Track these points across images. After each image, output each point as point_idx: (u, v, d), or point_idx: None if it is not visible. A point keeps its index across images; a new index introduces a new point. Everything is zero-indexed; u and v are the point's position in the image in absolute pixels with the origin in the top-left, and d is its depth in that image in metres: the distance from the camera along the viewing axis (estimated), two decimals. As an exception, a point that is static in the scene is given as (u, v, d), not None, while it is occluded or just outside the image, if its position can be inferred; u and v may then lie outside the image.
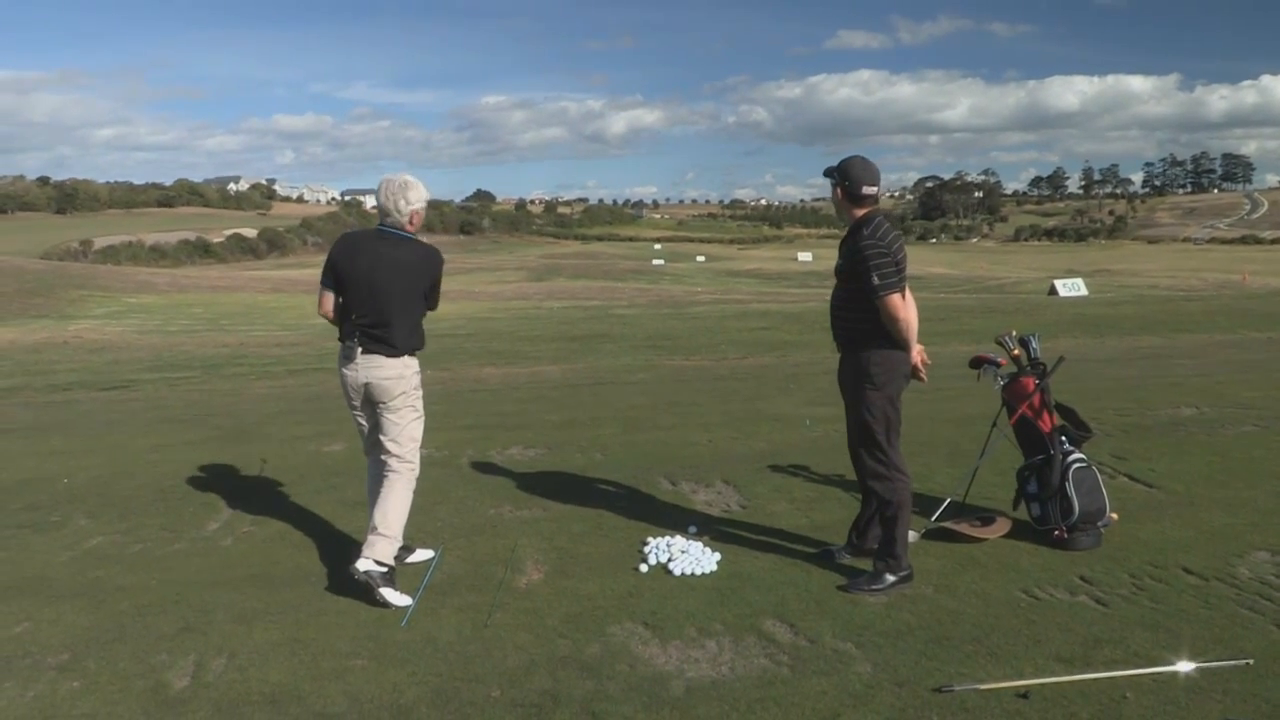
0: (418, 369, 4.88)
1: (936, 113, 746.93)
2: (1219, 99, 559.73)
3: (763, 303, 36.86)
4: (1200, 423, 8.10)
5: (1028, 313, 24.87)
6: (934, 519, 5.38)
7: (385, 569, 4.61)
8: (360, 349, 4.74)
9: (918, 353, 4.71)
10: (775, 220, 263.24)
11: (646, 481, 6.68)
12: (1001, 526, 5.26)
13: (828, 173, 4.72)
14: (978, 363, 5.69)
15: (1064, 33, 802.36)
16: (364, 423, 4.99)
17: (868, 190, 4.59)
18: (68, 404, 11.82)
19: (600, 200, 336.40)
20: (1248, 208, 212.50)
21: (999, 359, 5.62)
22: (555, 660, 3.96)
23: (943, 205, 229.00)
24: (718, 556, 5.03)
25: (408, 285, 4.72)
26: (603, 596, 4.62)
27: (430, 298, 4.85)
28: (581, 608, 4.49)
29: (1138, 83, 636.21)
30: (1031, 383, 5.32)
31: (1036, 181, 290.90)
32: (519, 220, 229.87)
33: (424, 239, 4.93)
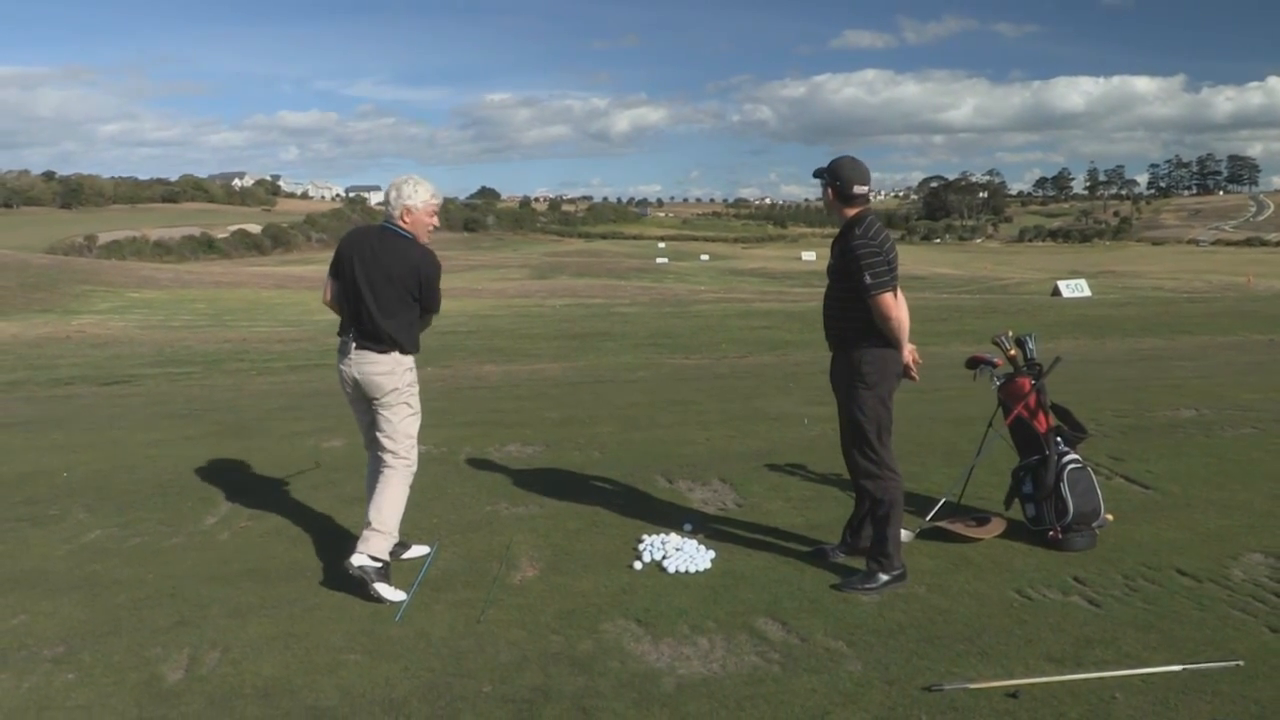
0: (411, 366, 4.89)
1: (941, 113, 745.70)
2: (1225, 100, 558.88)
3: (765, 302, 36.87)
4: (1199, 424, 8.10)
5: (1030, 313, 24.86)
6: (929, 519, 5.39)
7: (380, 564, 4.63)
8: (354, 344, 4.77)
9: (909, 352, 4.72)
10: (779, 219, 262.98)
11: (643, 479, 6.69)
12: (996, 527, 5.27)
13: (818, 173, 4.75)
14: (974, 363, 5.70)
15: (1070, 33, 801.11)
16: (363, 418, 5.01)
17: (859, 190, 4.61)
18: (69, 398, 11.86)
19: (604, 198, 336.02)
20: (1253, 210, 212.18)
21: (995, 359, 5.63)
22: (547, 656, 3.97)
23: (947, 205, 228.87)
24: (712, 554, 5.04)
25: (396, 285, 4.73)
26: (596, 593, 4.64)
27: (424, 300, 4.84)
28: (575, 604, 4.51)
29: (1143, 84, 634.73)
30: (1027, 383, 5.33)
31: (1041, 182, 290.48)
32: (523, 218, 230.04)
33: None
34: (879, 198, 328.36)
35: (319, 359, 15.55)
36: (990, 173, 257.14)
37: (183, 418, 9.87)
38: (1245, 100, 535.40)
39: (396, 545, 5.09)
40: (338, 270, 4.87)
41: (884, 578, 4.60)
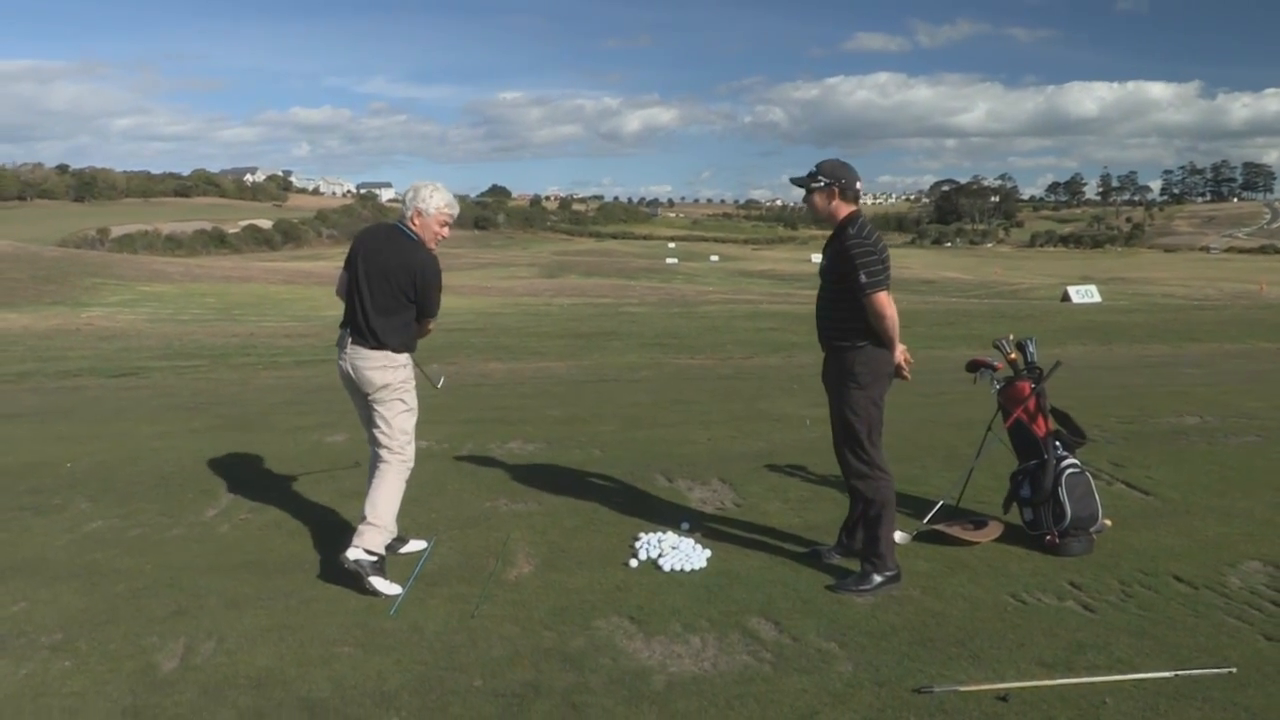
0: (406, 364, 4.90)
1: (953, 116, 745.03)
2: (1241, 107, 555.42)
3: (773, 303, 36.84)
4: (1202, 432, 8.08)
5: (1038, 319, 24.79)
6: (926, 521, 5.39)
7: (375, 558, 4.65)
8: (350, 339, 4.80)
9: (901, 352, 4.73)
10: (790, 221, 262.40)
11: (643, 478, 6.70)
12: (993, 530, 5.27)
13: (799, 181, 4.73)
14: (974, 366, 5.70)
15: (1084, 38, 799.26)
16: (362, 411, 5.04)
17: (860, 186, 4.68)
18: (76, 390, 11.91)
19: (615, 198, 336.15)
20: (1268, 217, 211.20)
21: (995, 362, 5.62)
22: (539, 652, 3.99)
23: (958, 209, 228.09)
24: (708, 553, 5.05)
25: (391, 284, 4.75)
26: (591, 590, 4.65)
27: (420, 303, 4.85)
28: (569, 601, 4.52)
29: (1158, 89, 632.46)
30: (1027, 387, 5.32)
31: (1054, 187, 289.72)
32: (534, 216, 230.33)
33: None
34: (889, 201, 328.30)
35: (325, 354, 15.56)
36: (1002, 177, 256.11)
37: (188, 410, 9.91)
38: (1262, 107, 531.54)
39: (394, 540, 5.12)
40: (349, 263, 4.92)
41: (878, 579, 4.60)
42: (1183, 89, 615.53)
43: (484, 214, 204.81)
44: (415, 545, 5.27)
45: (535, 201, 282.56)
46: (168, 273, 45.92)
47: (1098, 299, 43.77)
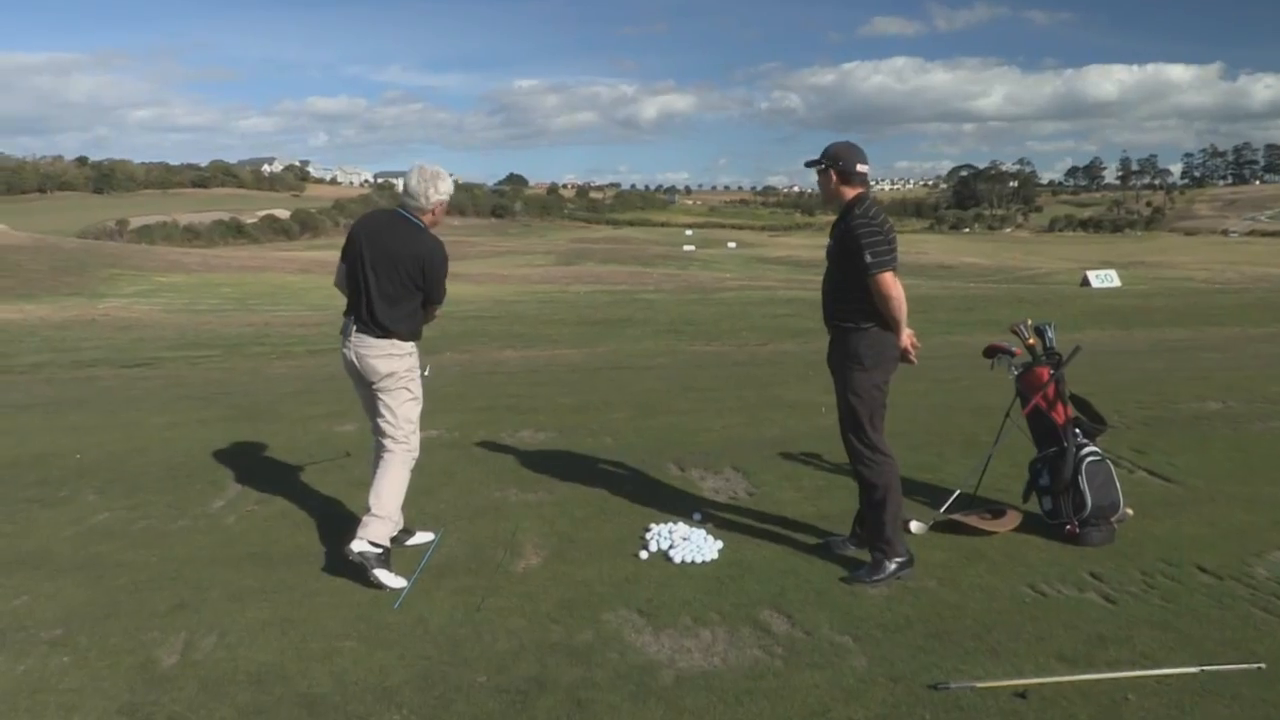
0: (412, 352, 4.81)
1: (971, 101, 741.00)
2: (1264, 88, 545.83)
3: (790, 289, 36.68)
4: (1225, 417, 7.92)
5: (1056, 304, 24.55)
6: (943, 510, 5.28)
7: (379, 550, 4.56)
8: (355, 327, 4.72)
9: (907, 336, 4.61)
10: (807, 207, 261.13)
11: (655, 467, 6.61)
12: (1011, 520, 5.15)
13: (811, 163, 4.68)
14: (992, 352, 5.56)
15: (1103, 20, 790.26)
16: (366, 401, 4.95)
17: (861, 169, 4.57)
18: (90, 380, 11.91)
19: (632, 185, 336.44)
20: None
21: (1014, 348, 5.48)
22: (545, 646, 3.90)
23: (977, 194, 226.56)
24: (719, 544, 4.95)
25: (400, 272, 4.66)
26: (600, 582, 4.56)
27: (427, 290, 4.76)
28: (577, 593, 4.43)
29: (1178, 72, 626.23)
30: (1046, 373, 5.19)
31: (1073, 172, 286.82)
32: (551, 204, 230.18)
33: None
34: (907, 186, 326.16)
35: (338, 343, 15.56)
36: (1021, 162, 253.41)
37: (199, 401, 9.88)
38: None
39: (401, 531, 5.05)
40: (348, 253, 4.83)
41: (890, 566, 4.50)
42: (1203, 70, 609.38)
43: (501, 202, 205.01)
44: (422, 537, 5.18)
45: (552, 189, 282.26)
46: (185, 263, 46.07)
47: (1117, 283, 43.38)
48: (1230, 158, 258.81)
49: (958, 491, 5.42)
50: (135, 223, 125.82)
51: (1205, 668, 3.54)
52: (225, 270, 44.98)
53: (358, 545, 4.53)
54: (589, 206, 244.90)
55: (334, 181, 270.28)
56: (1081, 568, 4.61)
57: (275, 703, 3.49)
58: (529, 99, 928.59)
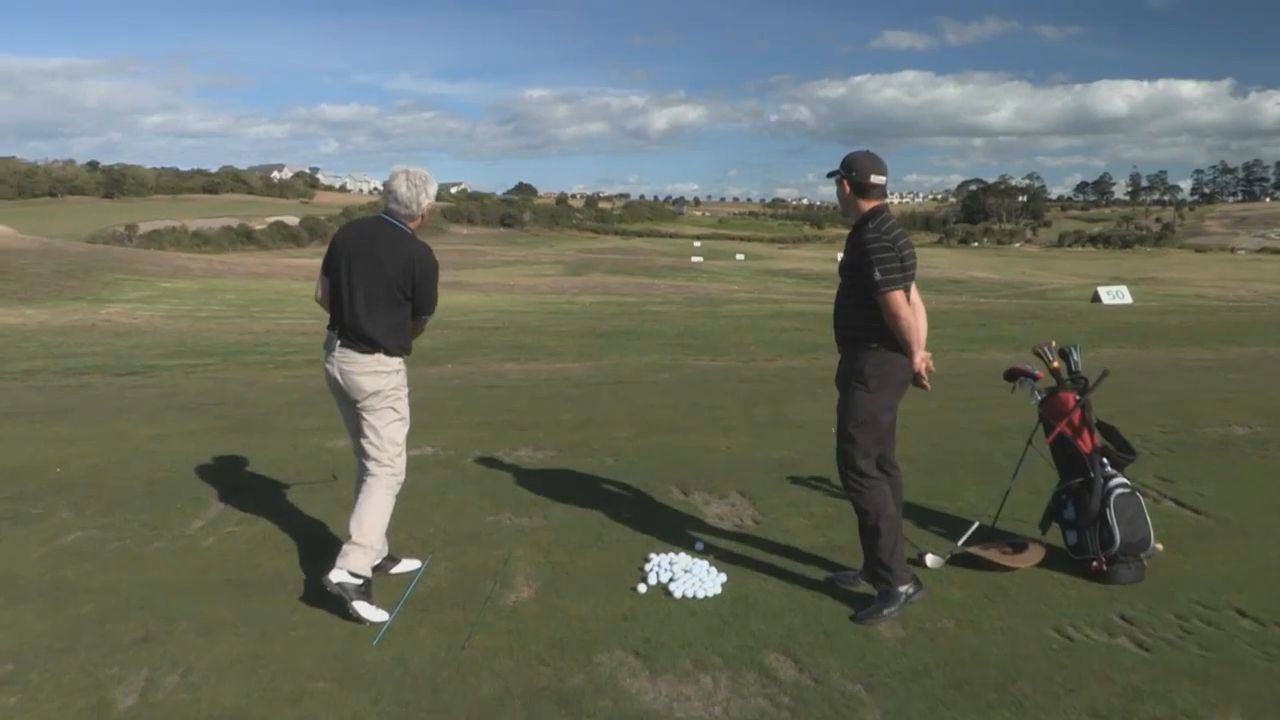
0: (399, 369, 4.53)
1: (981, 115, 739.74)
2: (1275, 105, 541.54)
3: (799, 303, 36.34)
4: (1254, 443, 7.59)
5: (1069, 320, 24.17)
6: (960, 544, 4.96)
7: (360, 581, 4.28)
8: (339, 342, 4.44)
9: (921, 359, 4.32)
10: (816, 220, 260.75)
11: (657, 489, 6.31)
12: (1034, 555, 4.84)
13: (832, 173, 4.45)
14: (1013, 375, 5.24)
15: (1114, 36, 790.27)
16: (350, 420, 4.67)
17: (875, 180, 4.32)
18: (81, 388, 11.64)
19: (641, 196, 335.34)
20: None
21: (1036, 371, 5.16)
22: (533, 691, 3.61)
23: (986, 208, 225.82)
24: (723, 578, 4.65)
25: (387, 283, 4.38)
26: (594, 619, 4.26)
27: (416, 300, 4.48)
28: (570, 631, 4.14)
29: (1189, 88, 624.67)
30: (1071, 398, 4.89)
31: (1082, 187, 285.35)
32: (559, 214, 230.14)
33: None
34: (916, 200, 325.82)
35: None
36: (1030, 176, 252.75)
37: (190, 411, 9.60)
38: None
39: (386, 559, 4.77)
40: (330, 264, 4.55)
41: (900, 593, 4.22)
42: (1214, 87, 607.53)
43: (510, 211, 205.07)
44: (408, 565, 4.89)
45: (561, 199, 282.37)
46: (190, 269, 45.91)
47: (1129, 300, 42.97)
48: (1241, 174, 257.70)
49: (976, 523, 5.10)
50: (145, 228, 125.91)
51: (1253, 729, 3.23)
52: (231, 276, 44.79)
53: (336, 575, 4.25)
54: (598, 216, 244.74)
55: (344, 189, 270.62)
56: (1110, 609, 4.30)
57: (235, 754, 3.21)
58: (539, 108, 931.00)
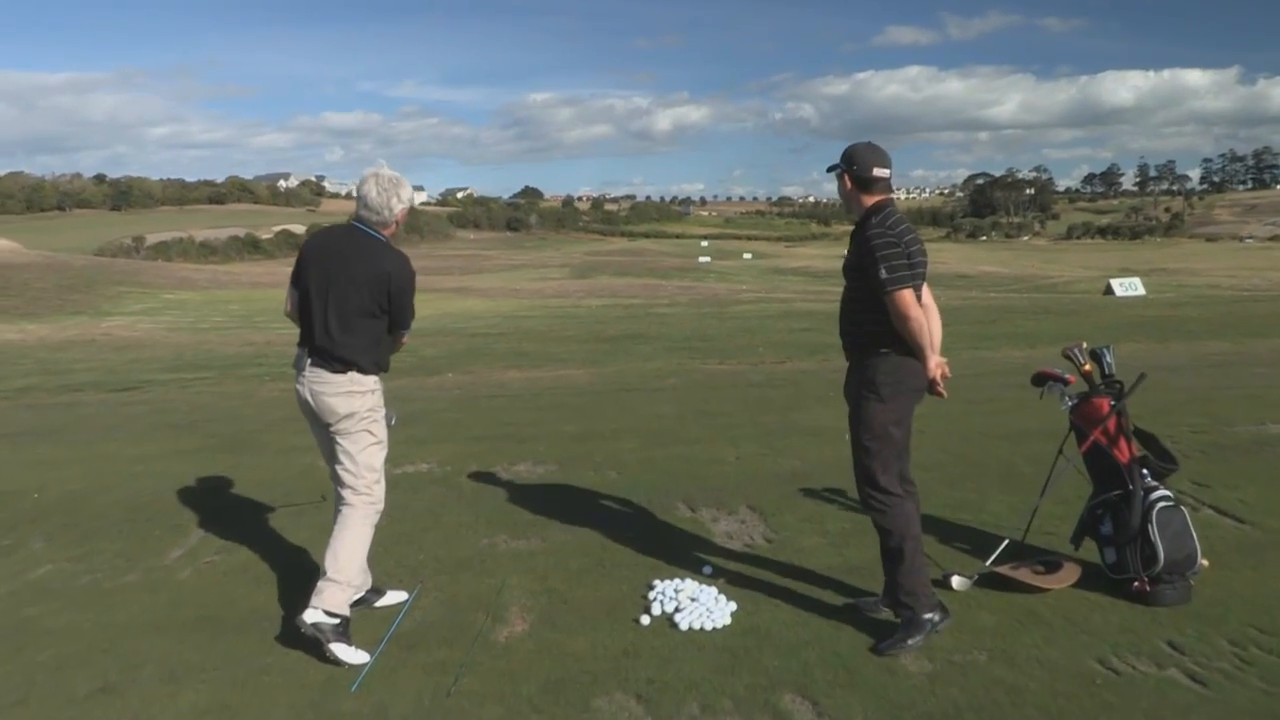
0: (374, 389, 4.19)
1: (986, 109, 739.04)
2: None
3: (808, 301, 35.95)
4: (1290, 443, 7.19)
5: (1084, 314, 23.74)
6: (989, 563, 4.60)
7: (337, 620, 3.94)
8: (309, 360, 4.10)
9: (937, 364, 3.97)
10: (823, 217, 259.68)
11: (663, 506, 5.96)
12: (1069, 574, 4.47)
13: (831, 168, 4.12)
14: (1041, 379, 4.86)
15: (1118, 27, 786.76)
16: (324, 445, 4.32)
17: (878, 173, 3.99)
18: (72, 406, 11.36)
19: (647, 197, 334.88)
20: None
21: (1066, 375, 4.79)
22: (524, 745, 3.26)
23: (993, 202, 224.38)
24: (733, 606, 4.30)
25: (361, 297, 4.04)
26: (592, 656, 3.91)
27: (393, 314, 4.14)
28: (566, 671, 3.79)
29: (1195, 76, 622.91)
30: (1106, 404, 4.51)
31: (1090, 179, 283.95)
32: (566, 217, 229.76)
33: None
34: (923, 195, 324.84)
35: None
36: (1037, 169, 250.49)
37: (180, 429, 9.29)
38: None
39: (370, 591, 4.44)
40: (299, 276, 4.22)
41: (924, 620, 3.88)
42: (1221, 75, 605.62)
43: (516, 215, 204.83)
44: (394, 597, 4.55)
45: (567, 202, 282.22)
46: (194, 280, 45.73)
47: (1142, 291, 42.50)
48: (1250, 162, 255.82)
49: (1006, 540, 4.73)
50: (152, 239, 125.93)
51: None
52: (234, 286, 44.58)
53: (311, 615, 3.91)
54: (604, 219, 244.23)
55: (349, 196, 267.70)
56: (1157, 635, 3.93)
57: (189, 828, 2.87)
58: (543, 112, 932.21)
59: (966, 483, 6.27)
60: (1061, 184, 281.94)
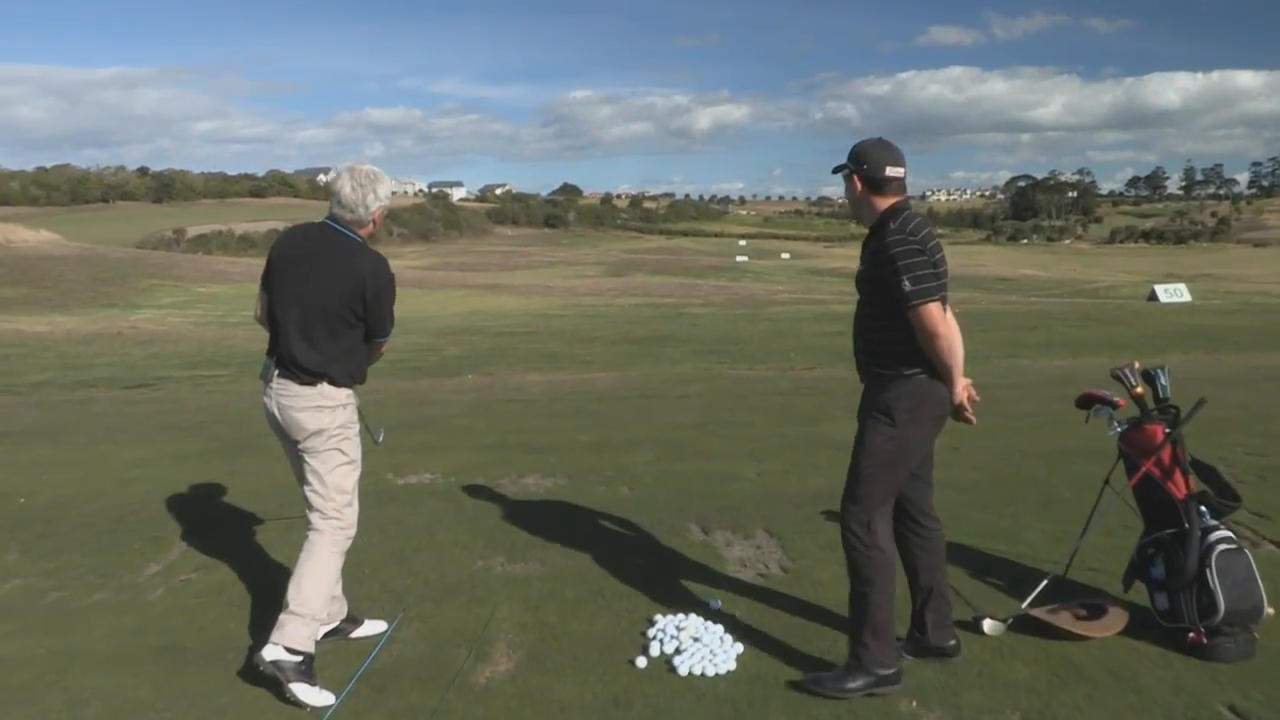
0: (346, 403, 3.82)
1: (1029, 110, 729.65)
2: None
3: (844, 303, 35.34)
4: (1356, 468, 6.66)
5: (1128, 322, 23.02)
6: (1025, 604, 4.14)
7: (299, 659, 3.58)
8: (276, 371, 3.74)
9: (964, 388, 3.54)
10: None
11: (674, 528, 5.56)
12: (1115, 621, 4.02)
13: (837, 168, 3.67)
14: (1087, 401, 4.39)
15: (1166, 28, 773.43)
16: (295, 464, 3.96)
17: (891, 172, 3.54)
18: (82, 404, 11.15)
19: (686, 196, 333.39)
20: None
21: (1115, 398, 4.32)
22: (490, 817, 2.88)
23: (1035, 205, 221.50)
24: (739, 649, 3.89)
25: (332, 302, 3.68)
26: (579, 705, 3.52)
27: (369, 321, 3.78)
28: (548, 723, 3.40)
29: (1246, 78, 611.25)
30: (1160, 432, 4.05)
31: (1134, 182, 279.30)
32: (604, 214, 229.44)
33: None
34: (964, 196, 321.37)
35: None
36: (1080, 172, 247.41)
37: (184, 431, 9.02)
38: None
39: (346, 620, 4.10)
40: (268, 279, 3.87)
41: (862, 679, 3.49)
42: (1272, 76, 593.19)
43: (554, 212, 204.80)
44: (371, 627, 4.18)
45: (606, 200, 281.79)
46: (229, 273, 45.82)
47: (1188, 298, 41.39)
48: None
49: (1046, 579, 4.27)
50: (192, 232, 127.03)
51: None
52: (270, 281, 44.69)
53: (270, 653, 3.55)
54: (643, 216, 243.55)
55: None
56: (1217, 697, 3.47)
57: None
58: (583, 110, 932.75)
59: (1002, 507, 5.83)
60: (1105, 187, 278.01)
